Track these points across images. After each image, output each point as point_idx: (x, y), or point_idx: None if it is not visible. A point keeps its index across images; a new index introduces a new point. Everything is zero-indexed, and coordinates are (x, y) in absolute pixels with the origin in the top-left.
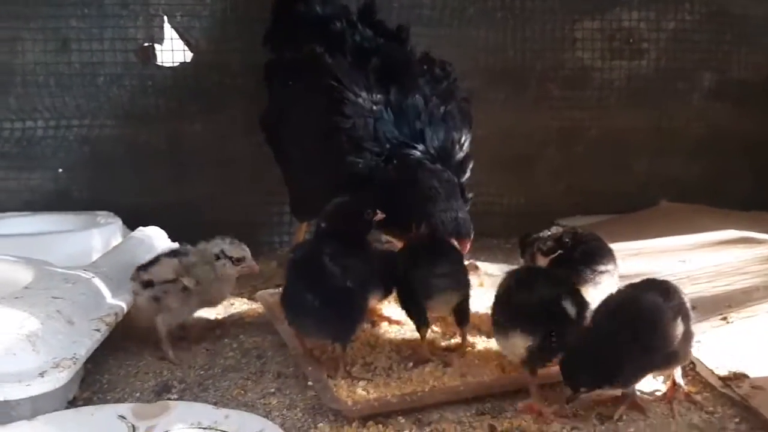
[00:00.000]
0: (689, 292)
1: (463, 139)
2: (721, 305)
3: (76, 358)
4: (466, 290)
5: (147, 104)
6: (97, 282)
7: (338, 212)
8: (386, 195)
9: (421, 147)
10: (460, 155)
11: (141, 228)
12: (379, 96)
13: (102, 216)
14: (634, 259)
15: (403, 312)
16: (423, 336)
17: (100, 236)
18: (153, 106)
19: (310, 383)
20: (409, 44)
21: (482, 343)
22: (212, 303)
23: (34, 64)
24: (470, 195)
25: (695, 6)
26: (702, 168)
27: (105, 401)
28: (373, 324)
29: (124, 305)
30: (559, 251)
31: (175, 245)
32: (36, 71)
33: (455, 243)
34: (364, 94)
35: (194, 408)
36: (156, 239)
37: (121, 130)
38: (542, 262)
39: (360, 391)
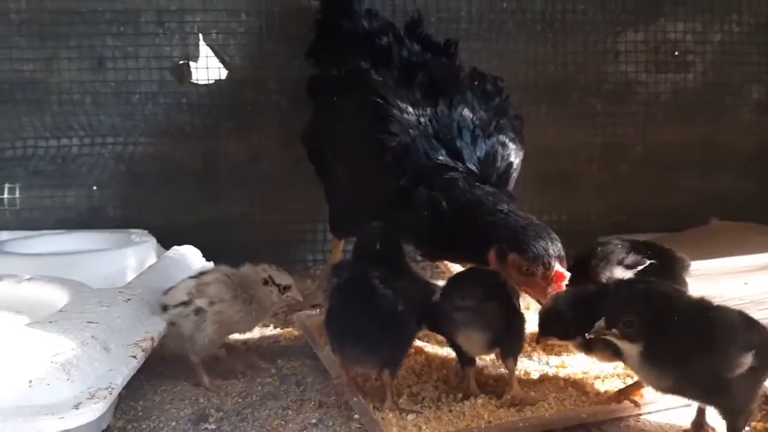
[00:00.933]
0: (756, 318)
1: (512, 155)
2: None
3: (112, 388)
4: (497, 329)
5: (182, 122)
6: (133, 305)
7: (377, 236)
8: (438, 220)
9: (461, 166)
10: (511, 172)
11: (176, 247)
12: (426, 111)
13: (136, 234)
14: (692, 281)
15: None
16: (466, 374)
17: (135, 255)
18: (188, 124)
19: (355, 415)
20: (458, 58)
21: (536, 371)
22: (244, 329)
23: (70, 83)
24: None
25: (743, 17)
26: (754, 184)
27: (140, 430)
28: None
29: (160, 329)
30: (648, 262)
31: (210, 265)
32: (72, 89)
33: (551, 272)
34: (410, 109)
35: None
36: (191, 259)
37: (156, 148)
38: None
39: (410, 427)
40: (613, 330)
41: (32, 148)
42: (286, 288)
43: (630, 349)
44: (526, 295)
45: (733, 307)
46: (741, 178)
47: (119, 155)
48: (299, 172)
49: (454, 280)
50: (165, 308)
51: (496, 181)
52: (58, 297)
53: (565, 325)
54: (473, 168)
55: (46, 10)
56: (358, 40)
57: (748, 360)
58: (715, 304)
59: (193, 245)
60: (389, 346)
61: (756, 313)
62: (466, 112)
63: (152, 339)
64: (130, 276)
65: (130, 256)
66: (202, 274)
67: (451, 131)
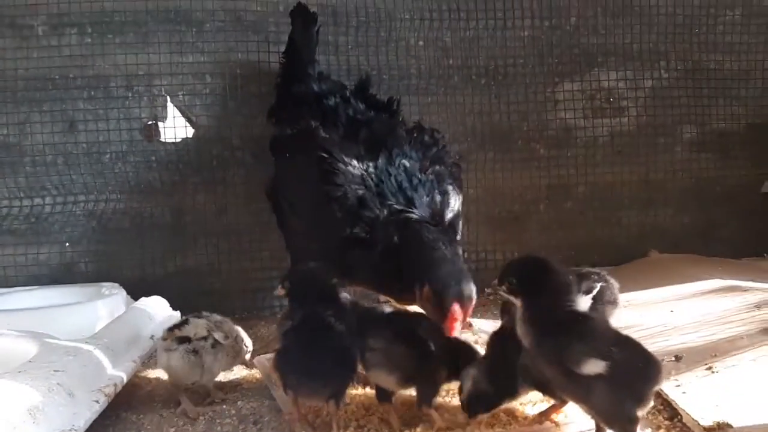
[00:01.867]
0: (676, 342)
1: (453, 201)
2: (706, 355)
3: (75, 430)
4: (407, 370)
5: (151, 179)
6: (98, 353)
7: (305, 276)
8: (388, 257)
9: (416, 211)
10: (450, 216)
11: (143, 299)
12: (369, 164)
13: (107, 288)
14: (623, 311)
15: None
16: (386, 411)
17: (105, 307)
18: (157, 180)
19: None
20: (400, 114)
21: None
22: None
23: (43, 145)
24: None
25: (671, 64)
26: (691, 217)
27: None
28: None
29: (124, 375)
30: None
31: (177, 314)
32: (45, 151)
33: (455, 308)
34: (354, 162)
35: None
36: (157, 309)
37: (126, 204)
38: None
39: None
40: (503, 287)
41: (6, 208)
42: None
43: (518, 308)
44: (473, 330)
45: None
46: (677, 212)
47: (91, 212)
48: (264, 222)
49: (367, 319)
50: (182, 340)
51: (446, 227)
52: (28, 349)
53: (488, 399)
54: (424, 213)
55: (21, 78)
56: (310, 102)
57: (594, 367)
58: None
59: (163, 296)
60: (338, 378)
61: (677, 338)
62: (405, 162)
63: (115, 385)
64: (101, 327)
65: (101, 308)
66: (197, 317)
67: (393, 181)
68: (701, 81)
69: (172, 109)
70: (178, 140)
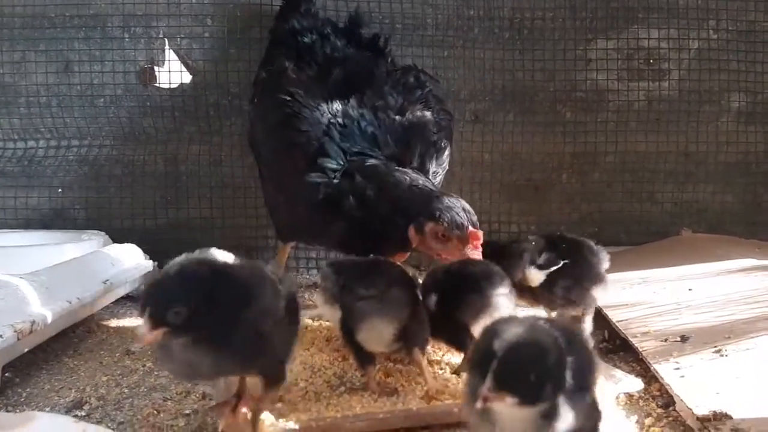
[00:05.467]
0: (687, 321)
1: (433, 151)
2: (719, 336)
3: None
4: (403, 314)
5: (145, 125)
6: (26, 289)
7: None
8: (360, 209)
9: (378, 153)
10: (421, 149)
11: (113, 245)
12: (337, 107)
13: (87, 234)
14: (635, 288)
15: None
16: (368, 374)
17: (72, 251)
18: (151, 127)
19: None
20: (390, 55)
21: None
22: None
23: (37, 86)
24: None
25: (721, 24)
26: (734, 196)
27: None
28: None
29: (49, 314)
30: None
31: (150, 263)
32: (39, 92)
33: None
34: (322, 106)
35: (56, 421)
36: (125, 256)
37: (119, 151)
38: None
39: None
40: None
41: (0, 150)
42: None
43: None
44: None
45: None
46: (719, 189)
47: (83, 158)
48: (257, 177)
49: (353, 270)
50: None
51: (417, 165)
52: None
53: None
54: (390, 153)
55: (18, 15)
56: (288, 40)
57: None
58: None
59: (152, 247)
60: None
61: (688, 317)
62: (380, 104)
63: (33, 322)
64: None
65: (68, 252)
66: None
67: (363, 123)
68: (755, 45)
69: (169, 53)
70: (175, 86)
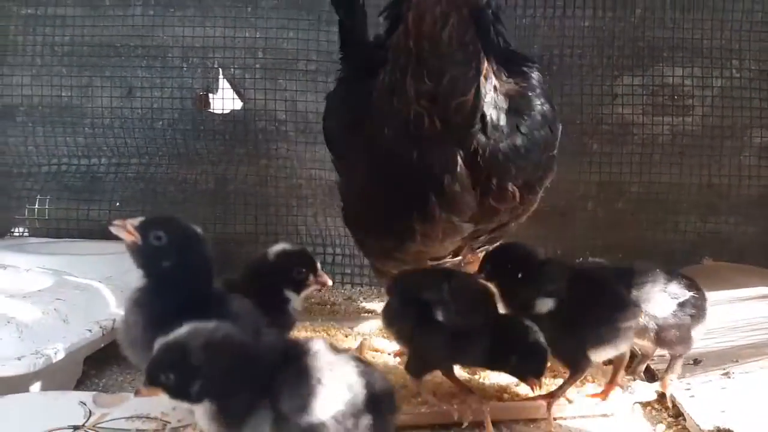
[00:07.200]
0: (700, 345)
1: None
2: (727, 360)
3: (57, 350)
4: None
5: (198, 147)
6: (105, 292)
7: None
8: None
9: None
10: None
11: None
12: None
13: None
14: None
15: None
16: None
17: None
18: (204, 149)
19: None
20: None
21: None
22: None
23: (102, 108)
24: None
25: (744, 63)
26: (756, 228)
27: None
28: None
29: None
30: None
31: None
32: (103, 114)
33: None
34: None
35: (151, 400)
36: None
37: (174, 170)
38: None
39: None
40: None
41: (66, 165)
42: None
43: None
44: None
45: None
46: (741, 221)
47: (141, 175)
48: (301, 197)
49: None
50: None
51: None
52: (44, 282)
53: None
54: None
55: (86, 44)
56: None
57: None
58: None
59: None
60: None
61: (700, 342)
62: None
63: (114, 320)
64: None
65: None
66: None
67: None
68: None
69: (223, 82)
70: (227, 112)
